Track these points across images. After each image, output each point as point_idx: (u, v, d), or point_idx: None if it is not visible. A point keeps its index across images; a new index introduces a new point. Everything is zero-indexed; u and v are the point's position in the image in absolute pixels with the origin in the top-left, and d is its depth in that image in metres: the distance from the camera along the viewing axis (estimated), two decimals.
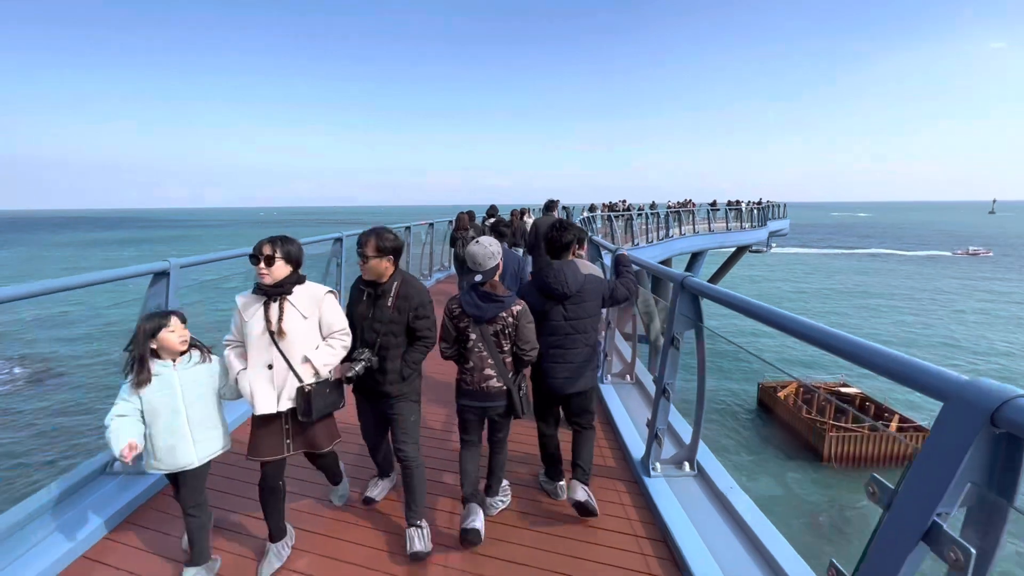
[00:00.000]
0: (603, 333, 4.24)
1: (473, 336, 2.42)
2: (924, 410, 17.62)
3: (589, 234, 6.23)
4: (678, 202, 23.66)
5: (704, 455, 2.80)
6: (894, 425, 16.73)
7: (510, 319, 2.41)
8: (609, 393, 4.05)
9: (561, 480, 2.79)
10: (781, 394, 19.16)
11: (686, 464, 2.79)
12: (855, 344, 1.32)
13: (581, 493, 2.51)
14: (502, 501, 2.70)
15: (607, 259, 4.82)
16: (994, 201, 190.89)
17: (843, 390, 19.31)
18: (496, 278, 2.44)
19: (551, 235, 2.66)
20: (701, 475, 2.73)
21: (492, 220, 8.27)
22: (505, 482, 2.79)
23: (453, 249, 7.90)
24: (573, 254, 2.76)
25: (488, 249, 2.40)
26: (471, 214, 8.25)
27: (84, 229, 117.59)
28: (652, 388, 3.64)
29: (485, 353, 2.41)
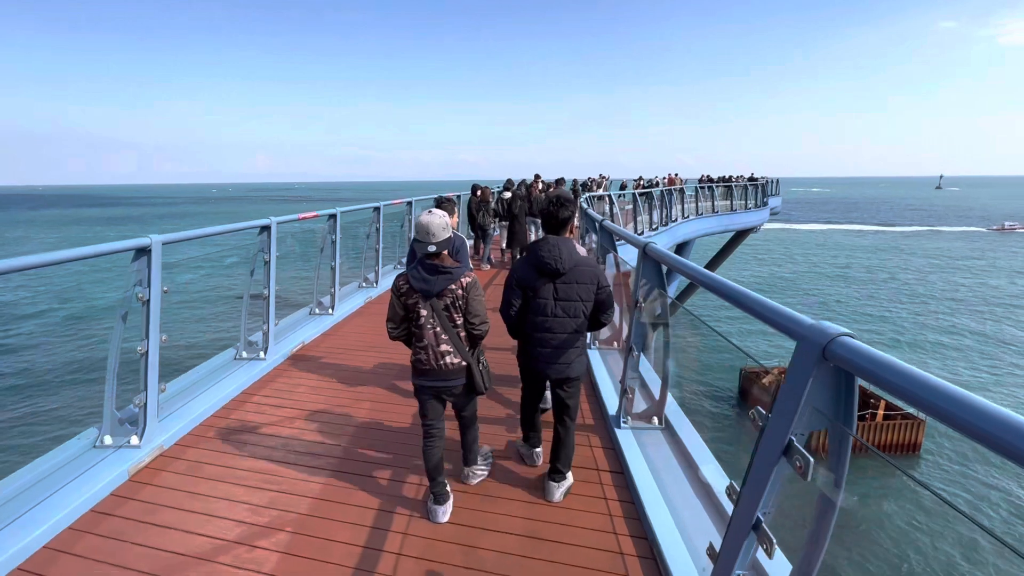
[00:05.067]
0: None
1: (424, 312, 2.36)
2: None
3: (587, 208, 6.81)
4: (666, 177, 20.76)
5: (673, 411, 3.09)
6: (880, 413, 16.44)
7: (460, 291, 2.36)
8: (595, 358, 4.29)
9: (538, 447, 2.88)
10: (765, 381, 18.55)
11: (655, 418, 3.08)
12: (734, 289, 1.70)
13: (558, 494, 2.56)
14: (482, 470, 2.75)
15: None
16: (941, 176, 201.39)
17: None
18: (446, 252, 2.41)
19: (549, 209, 2.58)
20: (668, 428, 3.02)
21: (509, 193, 9.08)
22: (486, 447, 2.92)
23: (476, 220, 8.93)
24: (570, 232, 2.72)
25: (443, 219, 2.35)
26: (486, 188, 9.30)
27: (7, 208, 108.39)
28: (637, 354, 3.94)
29: (439, 329, 2.37)
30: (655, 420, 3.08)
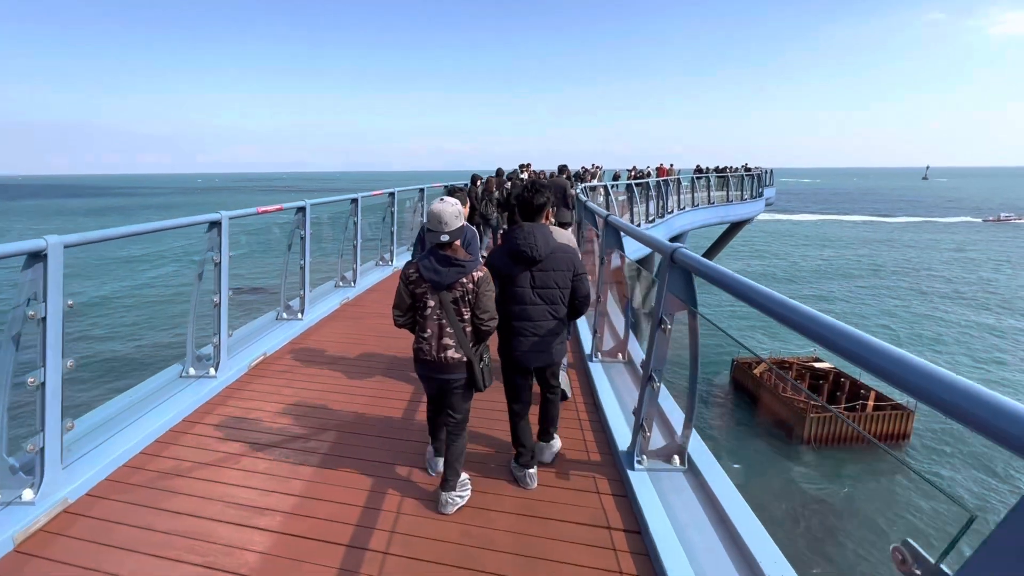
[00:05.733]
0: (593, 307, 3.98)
1: (431, 303, 2.31)
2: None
3: (585, 200, 6.44)
4: (656, 168, 19.86)
5: (697, 448, 2.61)
6: (871, 403, 16.38)
7: (470, 285, 2.30)
8: (598, 373, 3.72)
9: (532, 468, 2.61)
10: (756, 372, 18.49)
11: (675, 457, 2.56)
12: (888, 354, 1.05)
13: (548, 455, 2.70)
14: (460, 497, 2.45)
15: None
16: (927, 167, 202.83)
17: (816, 365, 18.62)
18: (458, 243, 2.35)
19: (524, 195, 2.58)
20: (691, 470, 2.54)
21: (510, 183, 9.22)
22: (465, 476, 2.55)
23: (478, 210, 8.85)
24: (546, 219, 2.71)
25: (455, 207, 2.29)
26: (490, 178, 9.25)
27: None
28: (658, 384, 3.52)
29: (444, 321, 2.31)
30: (676, 459, 2.57)
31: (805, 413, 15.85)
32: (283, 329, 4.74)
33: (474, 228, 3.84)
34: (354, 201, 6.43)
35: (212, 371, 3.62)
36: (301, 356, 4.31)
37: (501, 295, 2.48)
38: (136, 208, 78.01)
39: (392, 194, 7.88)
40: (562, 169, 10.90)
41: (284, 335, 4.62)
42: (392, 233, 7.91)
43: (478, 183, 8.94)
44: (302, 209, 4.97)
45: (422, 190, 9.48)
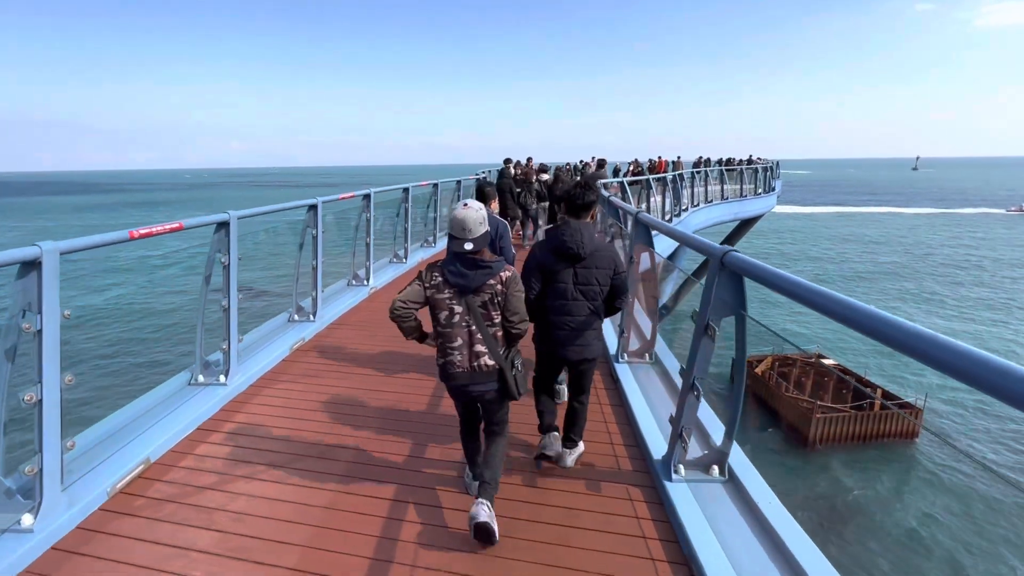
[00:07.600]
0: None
1: (459, 310, 2.18)
2: (906, 382, 17.07)
3: (609, 196, 6.02)
4: (654, 162, 18.15)
5: (737, 458, 2.51)
6: (877, 403, 15.69)
7: (499, 287, 2.19)
8: (625, 375, 3.60)
9: (554, 431, 2.70)
10: (758, 370, 17.72)
11: (715, 468, 2.45)
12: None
13: (570, 460, 2.62)
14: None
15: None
16: (917, 158, 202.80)
17: (822, 362, 17.87)
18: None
19: (574, 192, 2.65)
20: (732, 481, 2.43)
21: (546, 175, 9.32)
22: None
23: (517, 201, 8.86)
24: (592, 218, 2.70)
25: (479, 213, 2.16)
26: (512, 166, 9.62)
27: None
28: (672, 369, 3.52)
29: (474, 327, 2.18)
30: (715, 470, 2.44)
31: (811, 413, 14.88)
32: (196, 403, 3.19)
33: (505, 222, 3.62)
34: (312, 208, 4.85)
35: (28, 519, 2.07)
36: (213, 459, 2.73)
37: (542, 289, 2.55)
38: (121, 205, 75.92)
39: (367, 196, 6.31)
40: (601, 163, 10.73)
41: (193, 414, 3.06)
42: (368, 245, 6.34)
43: (507, 175, 9.14)
44: (224, 225, 3.38)
45: (406, 190, 7.92)
